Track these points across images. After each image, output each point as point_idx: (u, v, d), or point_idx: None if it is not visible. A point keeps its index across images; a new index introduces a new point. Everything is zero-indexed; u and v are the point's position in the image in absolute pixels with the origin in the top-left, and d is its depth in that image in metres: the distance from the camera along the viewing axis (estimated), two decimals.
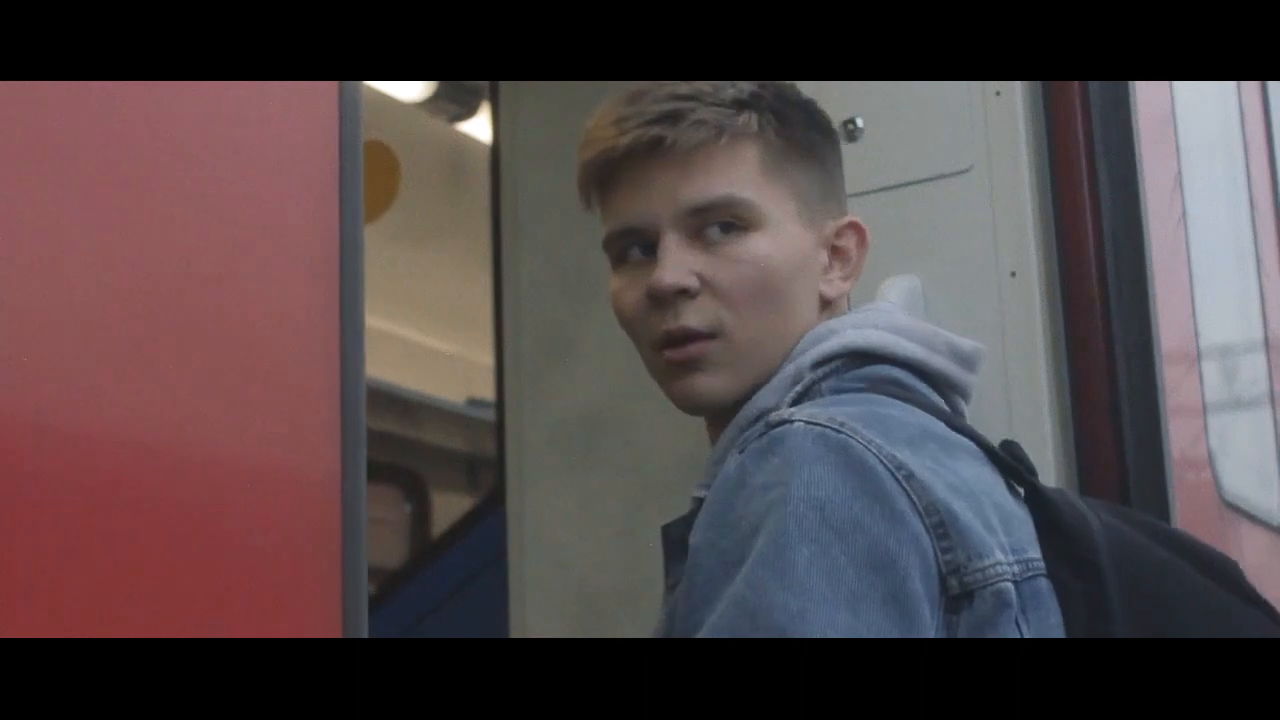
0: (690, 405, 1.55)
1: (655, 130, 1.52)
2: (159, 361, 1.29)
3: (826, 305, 1.59)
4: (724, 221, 1.53)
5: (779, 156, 1.56)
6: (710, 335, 1.52)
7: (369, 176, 1.52)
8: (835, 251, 1.60)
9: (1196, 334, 2.72)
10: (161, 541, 1.26)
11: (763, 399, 1.51)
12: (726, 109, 1.54)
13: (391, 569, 4.81)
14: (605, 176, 1.57)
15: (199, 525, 1.30)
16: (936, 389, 1.57)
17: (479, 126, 6.12)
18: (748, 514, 1.35)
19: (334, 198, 1.45)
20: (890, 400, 1.48)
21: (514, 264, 4.03)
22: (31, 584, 1.16)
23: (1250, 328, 3.26)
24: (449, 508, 6.09)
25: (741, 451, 1.41)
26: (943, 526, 1.37)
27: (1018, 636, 1.40)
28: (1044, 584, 1.45)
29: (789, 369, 1.52)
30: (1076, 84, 2.33)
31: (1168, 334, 2.41)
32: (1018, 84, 2.31)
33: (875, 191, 2.31)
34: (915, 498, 1.37)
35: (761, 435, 1.40)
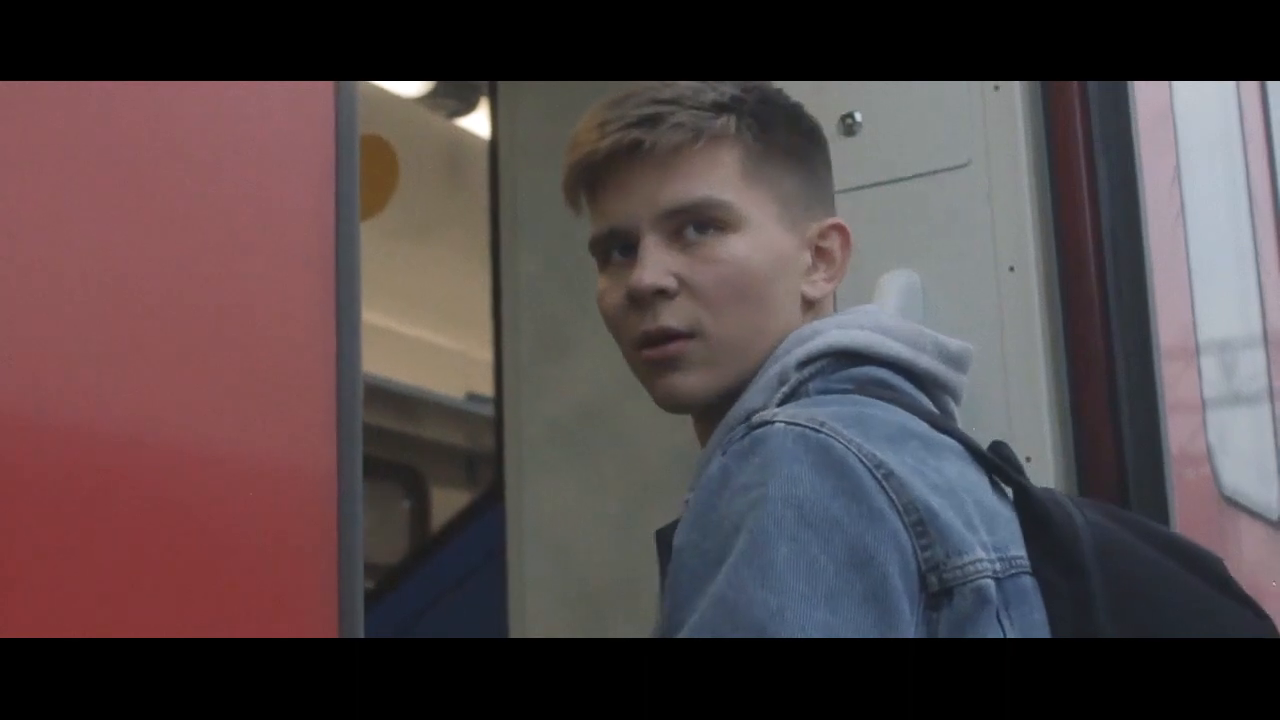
0: (670, 404, 1.57)
1: (634, 134, 1.55)
2: (155, 357, 1.29)
3: (810, 306, 1.60)
4: (702, 223, 1.55)
5: (759, 159, 1.58)
6: (688, 335, 1.54)
7: (367, 172, 1.52)
8: (819, 253, 1.61)
9: (1195, 329, 2.71)
10: (157, 537, 1.26)
11: (750, 400, 1.53)
12: (705, 112, 1.56)
13: (390, 564, 4.81)
14: (590, 179, 1.59)
15: (195, 520, 1.30)
16: (924, 389, 1.58)
17: (478, 122, 6.12)
18: (729, 514, 1.37)
19: (330, 193, 1.45)
20: (873, 400, 1.49)
21: (513, 259, 4.03)
22: (28, 578, 1.16)
23: (1249, 323, 3.26)
24: (448, 503, 6.09)
25: (724, 453, 1.43)
26: (922, 524, 1.38)
27: (999, 633, 1.41)
28: (1028, 581, 1.46)
29: (774, 369, 1.53)
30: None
31: (1166, 329, 2.41)
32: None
33: (874, 186, 2.31)
34: (894, 496, 1.38)
35: (743, 436, 1.42)
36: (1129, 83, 2.38)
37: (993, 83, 2.30)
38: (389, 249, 5.55)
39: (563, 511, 3.84)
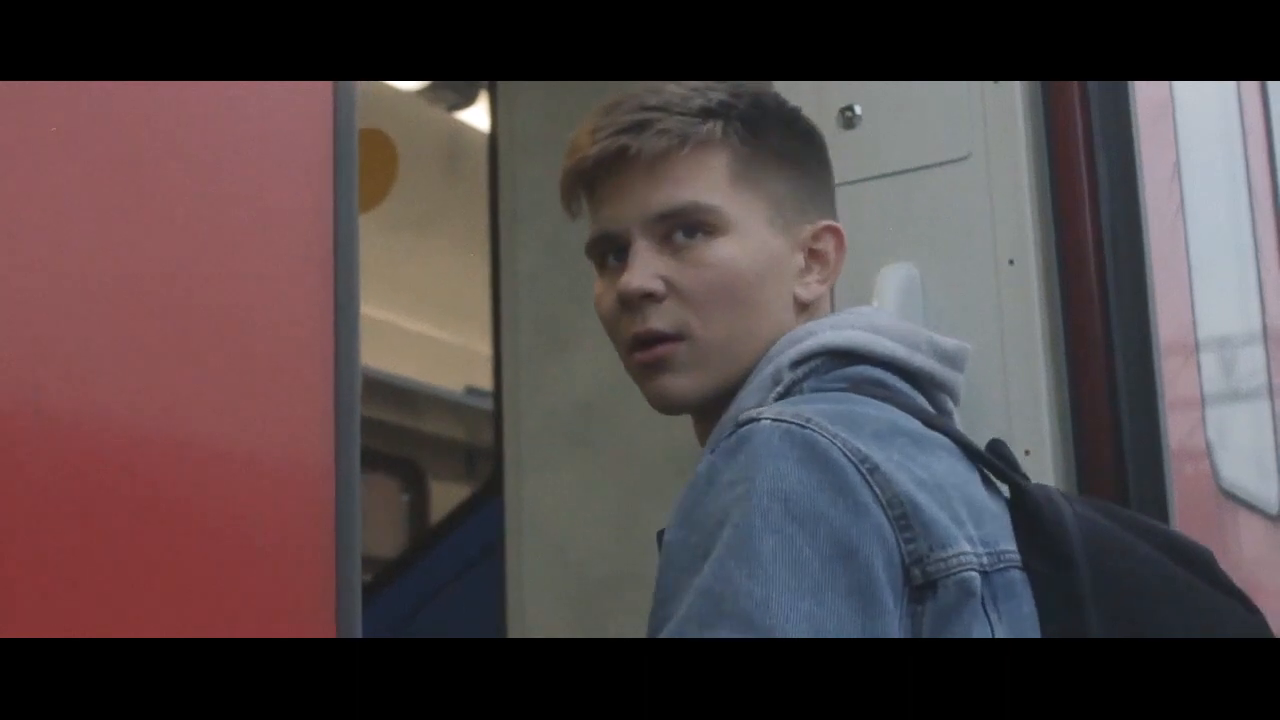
0: (661, 405, 1.60)
1: (622, 140, 1.57)
2: (154, 351, 1.29)
3: (804, 308, 1.61)
4: (690, 227, 1.57)
5: (748, 163, 1.60)
6: (676, 337, 1.56)
7: (366, 165, 1.52)
8: (812, 254, 1.63)
9: (1195, 324, 2.71)
10: (155, 531, 1.26)
11: (744, 400, 1.55)
12: (692, 118, 1.58)
13: (389, 557, 4.81)
14: (584, 184, 1.62)
15: (192, 515, 1.30)
16: (920, 388, 1.60)
17: (477, 115, 6.11)
18: (716, 509, 1.38)
19: (329, 187, 1.45)
20: (864, 398, 1.50)
21: (512, 253, 4.03)
22: (27, 571, 1.16)
23: (1248, 319, 3.26)
24: (447, 496, 6.09)
25: (713, 451, 1.44)
26: (905, 518, 1.39)
27: (984, 626, 1.42)
28: (1017, 575, 1.48)
29: (768, 370, 1.55)
30: None
31: (1166, 325, 2.41)
32: None
33: (873, 179, 2.31)
34: (878, 490, 1.39)
35: (730, 434, 1.43)
36: None
37: None
38: (388, 242, 5.55)
39: (561, 506, 3.84)
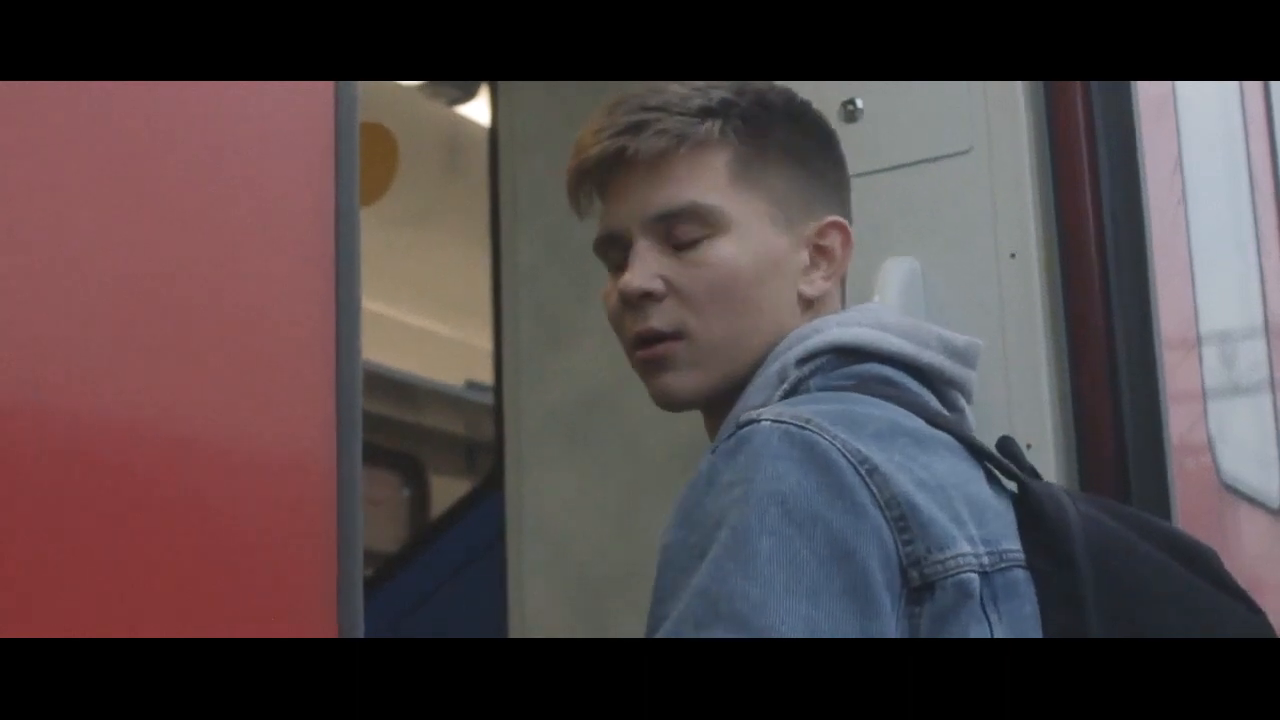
0: (663, 402, 1.61)
1: (620, 141, 1.58)
2: (155, 346, 1.29)
3: (810, 305, 1.61)
4: (690, 227, 1.58)
5: (749, 162, 1.60)
6: (675, 336, 1.57)
7: (367, 159, 1.52)
8: (818, 251, 1.62)
9: (1196, 318, 2.71)
10: (156, 526, 1.26)
11: (751, 397, 1.55)
12: (690, 118, 1.58)
13: (389, 552, 4.81)
14: (591, 184, 1.62)
15: (193, 510, 1.29)
16: (930, 385, 1.59)
17: (478, 109, 6.11)
18: (714, 509, 1.38)
19: (330, 181, 1.45)
20: (865, 398, 1.50)
21: (513, 247, 4.03)
22: (28, 571, 1.16)
23: (1250, 313, 3.25)
24: (447, 491, 6.09)
25: (714, 452, 1.44)
26: (904, 519, 1.39)
27: (983, 627, 1.42)
28: (1020, 575, 1.48)
29: (774, 367, 1.55)
30: None
31: (1167, 318, 2.40)
32: None
33: (875, 173, 2.31)
34: (877, 491, 1.39)
35: (731, 435, 1.43)
36: None
37: None
38: (389, 236, 5.55)
39: (562, 500, 3.84)
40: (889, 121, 2.34)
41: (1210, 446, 2.76)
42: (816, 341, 1.55)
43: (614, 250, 1.62)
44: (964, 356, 1.62)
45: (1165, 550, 1.54)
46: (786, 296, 1.60)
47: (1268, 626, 1.55)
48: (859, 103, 2.35)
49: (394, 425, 6.61)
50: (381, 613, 3.95)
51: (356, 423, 1.43)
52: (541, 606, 3.80)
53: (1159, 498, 2.24)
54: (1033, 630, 1.46)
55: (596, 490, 3.80)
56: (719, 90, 1.61)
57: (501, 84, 4.24)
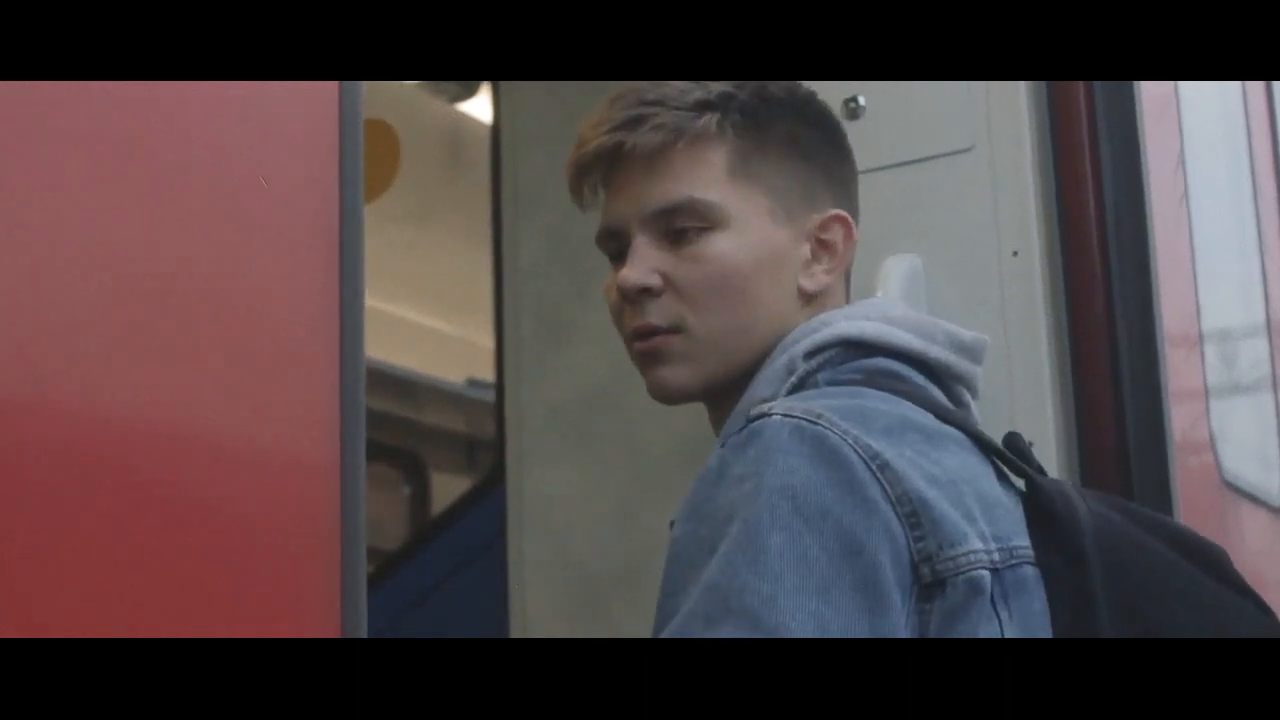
0: (660, 394, 1.61)
1: (618, 135, 1.58)
2: (159, 344, 1.29)
3: (811, 299, 1.61)
4: (687, 222, 1.58)
5: (748, 155, 1.59)
6: (672, 330, 1.57)
7: (370, 155, 1.52)
8: (820, 244, 1.62)
9: (1198, 315, 2.71)
10: (158, 523, 1.26)
11: (757, 390, 1.54)
12: (687, 112, 1.58)
13: (391, 549, 4.81)
14: (593, 178, 1.62)
15: (196, 506, 1.29)
16: (937, 380, 1.59)
17: (480, 106, 6.11)
18: (724, 504, 1.38)
19: (334, 178, 1.45)
20: (876, 392, 1.50)
21: (514, 245, 4.02)
22: (30, 568, 1.16)
23: (1251, 311, 3.25)
24: (448, 488, 6.09)
25: (723, 445, 1.44)
26: (915, 516, 1.39)
27: (993, 624, 1.42)
28: (1030, 571, 1.47)
29: (782, 360, 1.54)
30: None
31: (1170, 316, 2.40)
32: None
33: (877, 170, 2.30)
34: (888, 487, 1.39)
35: (741, 429, 1.43)
36: None
37: None
38: (390, 234, 5.55)
39: (563, 497, 3.83)
40: (891, 119, 2.34)
41: (1212, 444, 2.76)
42: (824, 335, 1.54)
43: (614, 244, 1.62)
44: (971, 352, 1.62)
45: (1172, 547, 1.53)
46: (787, 290, 1.60)
47: (1277, 626, 1.55)
48: (861, 100, 2.35)
49: (395, 422, 6.61)
50: (383, 610, 3.95)
51: (360, 420, 1.43)
52: (542, 603, 3.80)
53: (1161, 495, 2.24)
54: (1042, 627, 1.45)
55: (597, 487, 3.80)
56: (720, 84, 1.61)
57: (503, 82, 4.24)
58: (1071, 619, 1.46)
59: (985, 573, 1.41)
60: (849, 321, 1.56)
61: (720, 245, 1.57)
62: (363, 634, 1.40)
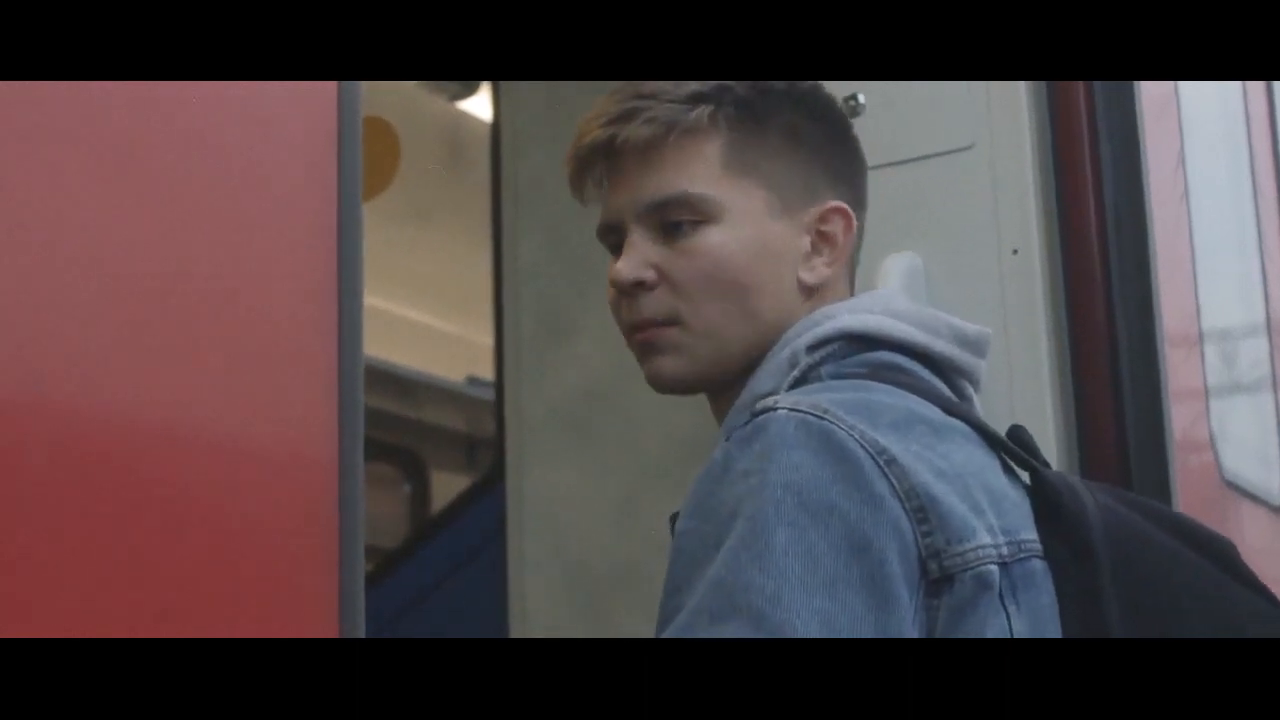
0: (656, 385, 1.61)
1: (611, 129, 1.58)
2: (157, 342, 1.28)
3: (811, 292, 1.60)
4: (681, 216, 1.57)
5: (744, 148, 1.59)
6: (666, 323, 1.57)
7: (369, 153, 1.52)
8: (820, 236, 1.61)
9: (1198, 315, 2.71)
10: (155, 523, 1.26)
11: (759, 383, 1.53)
12: (680, 105, 1.58)
13: (390, 547, 4.81)
14: (589, 172, 1.62)
15: (194, 504, 1.29)
16: (941, 374, 1.58)
17: (479, 105, 6.10)
18: (729, 499, 1.37)
19: (333, 175, 1.45)
20: (882, 386, 1.49)
21: (514, 243, 4.02)
22: (28, 567, 1.16)
23: (1251, 310, 3.25)
24: (448, 486, 6.08)
25: (728, 439, 1.43)
26: (923, 511, 1.38)
27: (1001, 619, 1.41)
28: (1038, 565, 1.46)
29: (784, 353, 1.54)
30: None
31: (1169, 315, 2.40)
32: None
33: (877, 168, 2.29)
34: (896, 482, 1.38)
35: (746, 423, 1.42)
36: None
37: None
38: (390, 232, 5.55)
39: (563, 496, 3.83)
40: (891, 117, 2.34)
41: (1212, 443, 2.76)
42: (828, 328, 1.54)
43: (613, 238, 1.62)
44: (974, 345, 1.61)
45: (1180, 540, 1.53)
46: (786, 283, 1.59)
47: None
48: (861, 98, 2.35)
49: (395, 420, 6.61)
50: (381, 608, 3.95)
51: (358, 419, 1.43)
52: (542, 601, 3.80)
53: (1161, 494, 2.24)
54: (1051, 621, 1.45)
55: (597, 485, 3.80)
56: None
57: (503, 80, 4.23)
58: (1080, 613, 1.45)
59: (994, 568, 1.40)
60: (852, 315, 1.55)
61: (714, 238, 1.57)
62: (361, 633, 1.40)
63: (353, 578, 1.40)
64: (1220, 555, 1.55)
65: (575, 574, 3.79)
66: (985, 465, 1.49)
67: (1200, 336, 2.73)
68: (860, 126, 2.31)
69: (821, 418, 1.39)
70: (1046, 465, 1.58)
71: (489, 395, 4.76)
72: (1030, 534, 1.47)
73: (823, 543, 1.33)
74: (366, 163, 1.50)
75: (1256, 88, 3.37)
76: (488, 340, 4.40)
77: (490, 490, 4.16)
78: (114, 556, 1.22)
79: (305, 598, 1.38)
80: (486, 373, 5.00)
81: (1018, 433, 1.58)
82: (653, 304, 1.57)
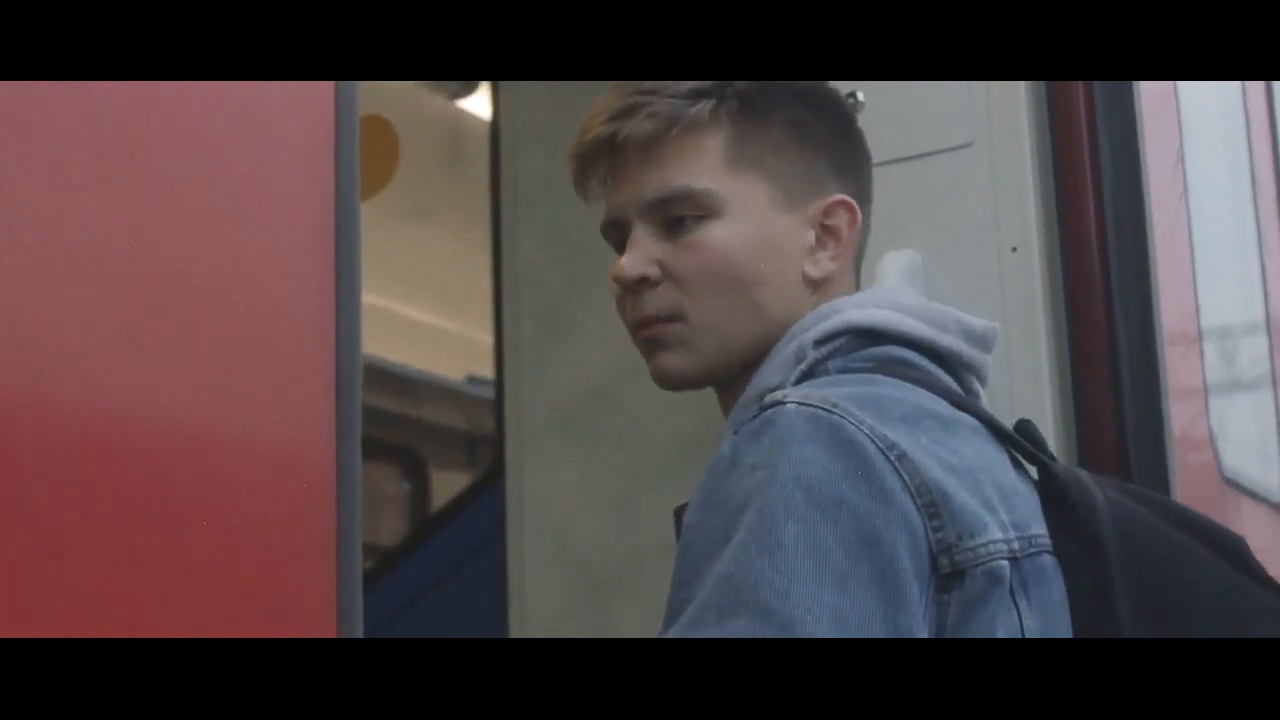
0: (662, 382, 1.60)
1: (612, 126, 1.58)
2: (154, 339, 1.28)
3: (817, 285, 1.59)
4: (684, 211, 1.57)
5: (747, 141, 1.58)
6: (670, 319, 1.57)
7: (368, 151, 1.52)
8: (825, 230, 1.60)
9: (1198, 312, 2.71)
10: (152, 522, 1.26)
11: (765, 377, 1.53)
12: (681, 100, 1.57)
13: (390, 546, 4.81)
14: (593, 169, 1.62)
15: (190, 502, 1.29)
16: (948, 369, 1.58)
17: (479, 103, 6.10)
18: (737, 493, 1.36)
19: (330, 173, 1.45)
20: (891, 380, 1.48)
21: (514, 241, 4.02)
22: (25, 565, 1.16)
23: (1251, 308, 3.25)
24: (448, 485, 6.09)
25: (736, 432, 1.43)
26: (934, 506, 1.37)
27: (1012, 614, 1.40)
28: (1048, 560, 1.46)
29: (791, 347, 1.53)
30: None
31: (1169, 313, 2.40)
32: None
33: (876, 165, 2.29)
34: (906, 477, 1.37)
35: (755, 417, 1.41)
36: None
37: None
38: (390, 230, 5.54)
39: (563, 494, 3.83)
40: (890, 115, 2.34)
41: (1211, 441, 2.76)
42: (835, 322, 1.53)
43: (616, 235, 1.62)
44: (981, 340, 1.61)
45: (1190, 534, 1.52)
46: (790, 277, 1.58)
47: None
48: (860, 96, 2.35)
49: (394, 419, 6.61)
50: (381, 606, 3.95)
51: (356, 418, 1.43)
52: (542, 600, 3.80)
53: (1160, 491, 2.23)
54: (1061, 616, 1.44)
55: (597, 483, 3.80)
56: None
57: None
58: (1090, 607, 1.44)
59: (1005, 563, 1.40)
60: (859, 309, 1.55)
61: (717, 234, 1.56)
62: (359, 633, 1.40)
63: (350, 577, 1.39)
64: (1230, 550, 1.54)
65: (575, 572, 3.79)
66: (995, 460, 1.48)
67: (1200, 334, 2.73)
68: (859, 123, 2.32)
69: (831, 412, 1.38)
70: (1054, 459, 1.57)
71: (489, 393, 4.76)
72: (1040, 529, 1.46)
73: (832, 538, 1.32)
74: (365, 161, 1.50)
75: (1255, 86, 3.37)
76: (487, 338, 4.40)
77: (490, 488, 4.16)
78: (110, 555, 1.22)
79: (303, 597, 1.38)
80: (486, 371, 5.00)
81: (1025, 427, 1.57)
82: (656, 300, 1.57)
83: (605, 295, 1.65)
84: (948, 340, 1.57)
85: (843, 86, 2.32)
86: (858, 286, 1.65)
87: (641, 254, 1.57)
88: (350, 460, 1.41)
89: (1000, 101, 2.30)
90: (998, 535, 1.40)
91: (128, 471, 1.25)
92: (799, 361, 1.52)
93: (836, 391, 1.42)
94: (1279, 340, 3.33)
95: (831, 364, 1.52)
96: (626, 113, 1.57)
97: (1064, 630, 1.45)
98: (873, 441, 1.37)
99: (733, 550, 1.33)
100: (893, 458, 1.37)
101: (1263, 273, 3.29)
